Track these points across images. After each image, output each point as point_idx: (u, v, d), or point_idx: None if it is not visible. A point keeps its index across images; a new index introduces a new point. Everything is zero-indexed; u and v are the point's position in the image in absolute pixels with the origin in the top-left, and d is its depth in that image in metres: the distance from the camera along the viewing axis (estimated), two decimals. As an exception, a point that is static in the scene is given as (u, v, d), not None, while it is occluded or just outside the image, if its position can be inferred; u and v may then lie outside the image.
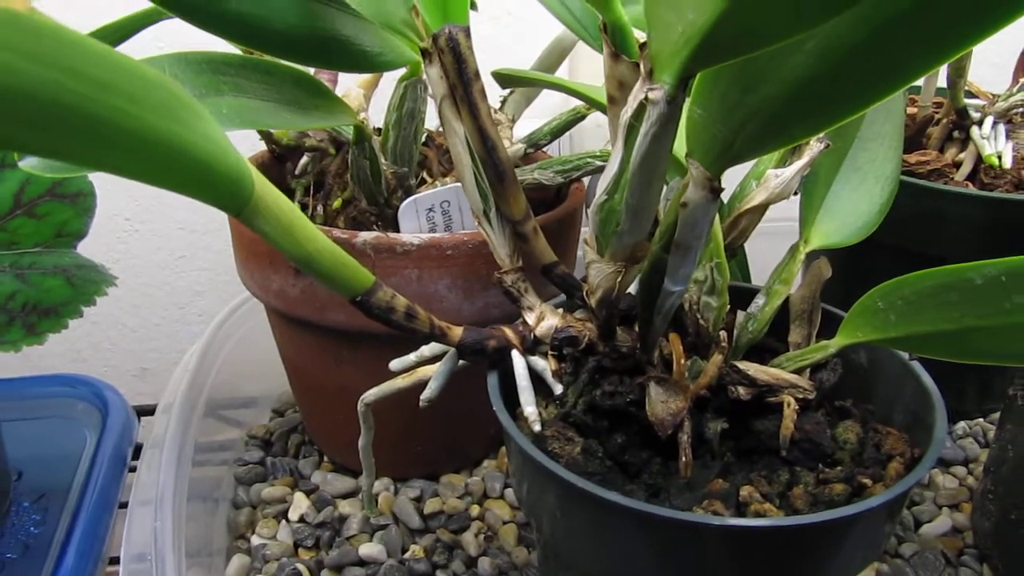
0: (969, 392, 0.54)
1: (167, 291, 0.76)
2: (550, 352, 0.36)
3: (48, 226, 0.44)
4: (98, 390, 0.55)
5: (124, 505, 0.49)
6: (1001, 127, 0.51)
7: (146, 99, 0.21)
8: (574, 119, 0.50)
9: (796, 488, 0.32)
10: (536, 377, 0.35)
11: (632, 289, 0.36)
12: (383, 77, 0.52)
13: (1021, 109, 0.52)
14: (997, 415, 0.55)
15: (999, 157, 0.49)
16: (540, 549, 0.40)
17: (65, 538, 0.47)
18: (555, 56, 0.54)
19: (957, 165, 0.51)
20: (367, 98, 0.51)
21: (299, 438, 0.55)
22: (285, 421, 0.56)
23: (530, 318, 0.36)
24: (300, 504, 0.49)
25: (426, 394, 0.36)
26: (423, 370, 0.38)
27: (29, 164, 0.35)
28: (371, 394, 0.39)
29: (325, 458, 0.53)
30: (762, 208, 0.36)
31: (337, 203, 0.49)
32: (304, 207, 0.49)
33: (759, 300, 0.37)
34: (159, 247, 0.73)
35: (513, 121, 0.52)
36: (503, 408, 0.34)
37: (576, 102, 0.51)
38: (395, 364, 0.39)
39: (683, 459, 0.33)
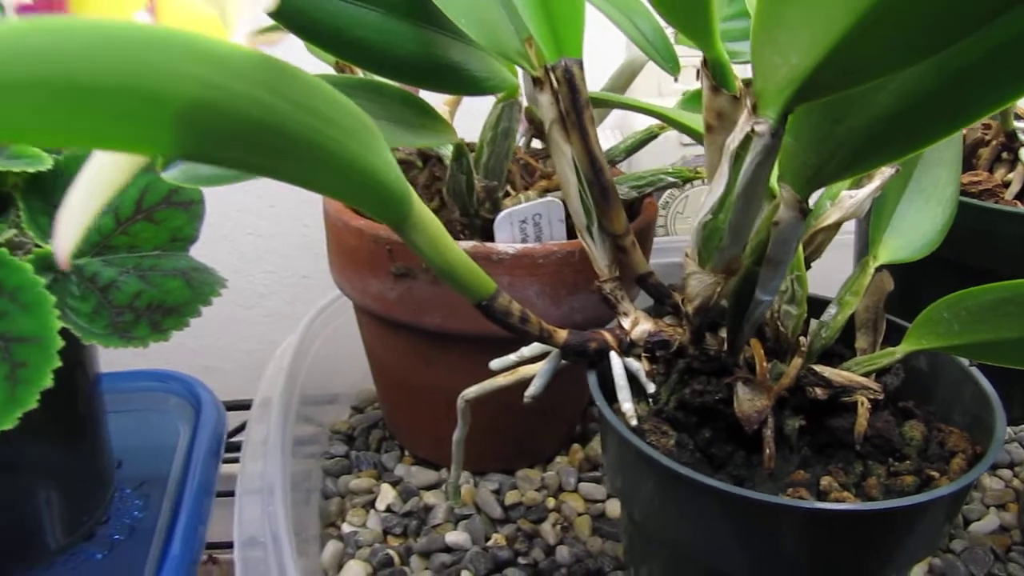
0: (1015, 399, 0.59)
1: (233, 293, 0.81)
2: (643, 354, 0.41)
3: (165, 231, 0.49)
4: (191, 386, 0.60)
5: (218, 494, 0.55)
6: (1050, 148, 0.56)
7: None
8: (648, 138, 0.55)
9: (870, 479, 0.37)
10: (630, 376, 0.40)
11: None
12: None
13: (1066, 132, 0.57)
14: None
15: (1047, 176, 0.54)
16: (628, 535, 0.45)
17: (169, 523, 0.52)
18: (625, 77, 0.60)
19: (1006, 184, 0.55)
20: (451, 115, 0.56)
21: (380, 433, 0.60)
22: (365, 417, 0.61)
23: (626, 323, 0.41)
24: (387, 495, 0.54)
25: (531, 391, 0.41)
26: (524, 369, 0.43)
27: (171, 175, 0.40)
28: (472, 391, 0.44)
29: (406, 452, 0.58)
30: (836, 226, 0.41)
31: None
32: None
33: (831, 309, 0.42)
34: (229, 251, 0.78)
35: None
36: (605, 403, 0.39)
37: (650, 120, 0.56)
38: (495, 364, 0.44)
39: (767, 452, 0.38)
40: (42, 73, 0.15)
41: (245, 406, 0.71)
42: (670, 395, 0.40)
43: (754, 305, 0.37)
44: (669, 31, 0.58)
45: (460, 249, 0.33)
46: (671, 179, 0.53)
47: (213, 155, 0.20)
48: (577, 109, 0.37)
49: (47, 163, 0.46)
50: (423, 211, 0.31)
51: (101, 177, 0.24)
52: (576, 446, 0.58)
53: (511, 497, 0.53)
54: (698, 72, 0.37)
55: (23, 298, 0.42)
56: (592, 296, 0.49)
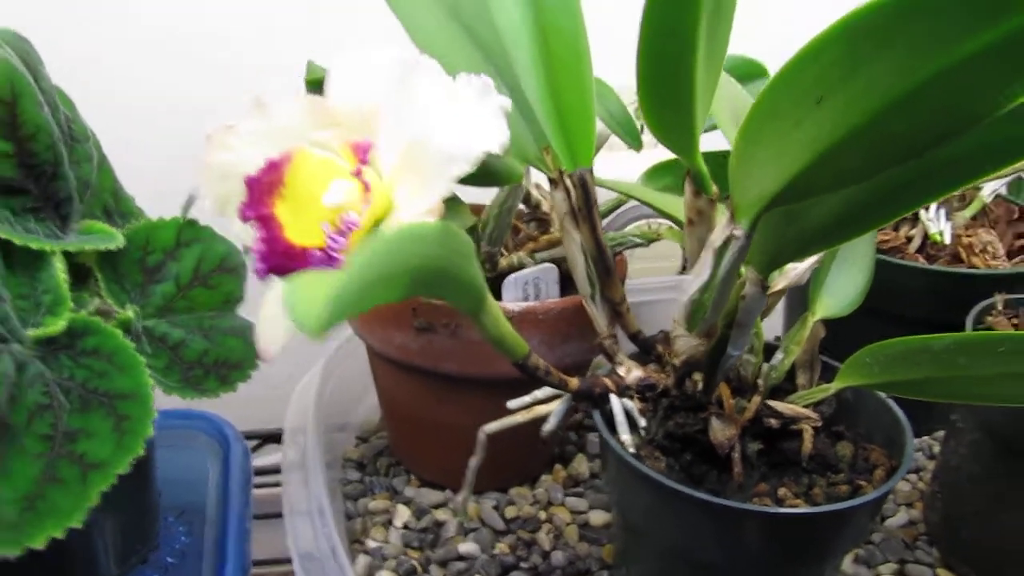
0: (918, 417, 0.73)
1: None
2: (635, 395, 0.53)
3: (220, 294, 0.59)
4: (216, 424, 0.69)
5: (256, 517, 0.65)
6: (942, 210, 0.70)
7: (468, 256, 0.37)
8: (618, 204, 0.68)
9: (815, 489, 0.50)
10: (626, 413, 0.52)
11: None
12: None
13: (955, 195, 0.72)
14: (938, 434, 0.75)
15: (941, 235, 0.68)
16: (622, 539, 0.57)
17: (216, 546, 0.62)
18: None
19: (909, 240, 0.70)
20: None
21: (387, 460, 0.70)
22: (372, 446, 0.72)
23: (621, 371, 0.53)
24: (402, 514, 0.65)
25: (547, 427, 0.53)
26: (538, 408, 0.54)
27: (255, 259, 0.50)
28: (492, 426, 0.55)
29: (412, 476, 0.69)
30: (784, 291, 0.54)
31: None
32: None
33: (779, 355, 0.55)
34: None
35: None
36: (610, 435, 0.51)
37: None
38: (513, 404, 0.55)
39: (736, 469, 0.50)
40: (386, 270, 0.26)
41: (251, 436, 0.80)
42: (658, 427, 0.52)
43: (726, 359, 0.49)
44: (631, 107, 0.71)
45: (508, 324, 0.45)
46: (638, 240, 0.66)
47: (416, 292, 0.31)
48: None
49: (119, 241, 0.55)
50: (491, 300, 0.42)
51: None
52: (558, 466, 0.70)
53: (510, 512, 0.65)
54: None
55: (119, 360, 0.51)
56: (579, 344, 0.62)
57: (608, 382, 0.52)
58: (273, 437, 0.82)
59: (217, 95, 0.83)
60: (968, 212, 0.70)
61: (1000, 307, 0.62)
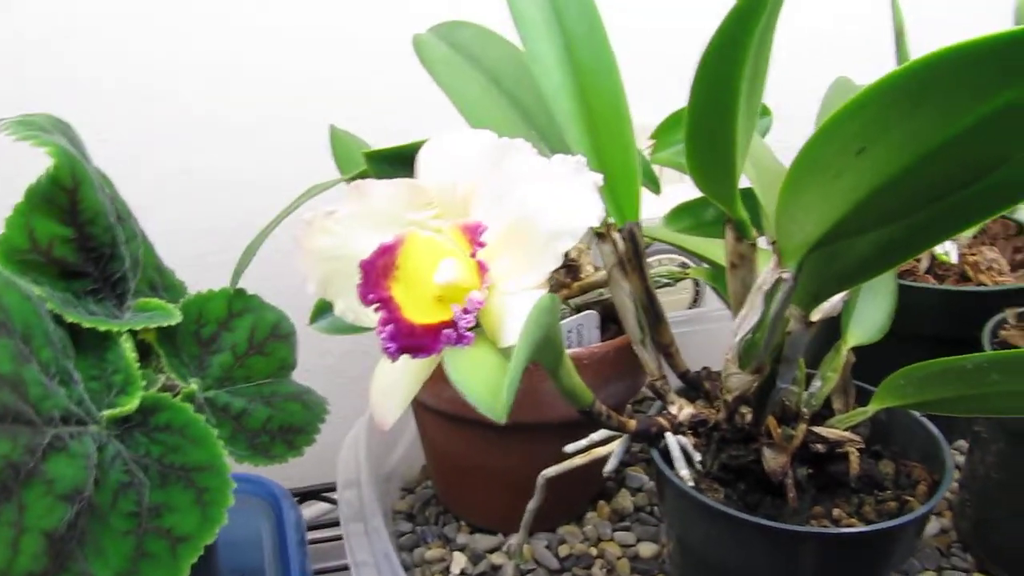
0: (940, 430, 0.78)
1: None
2: (688, 431, 0.56)
3: (275, 361, 0.61)
4: (267, 486, 0.72)
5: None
6: (944, 231, 0.75)
7: (558, 323, 0.41)
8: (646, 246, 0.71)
9: (865, 507, 0.54)
10: (682, 449, 0.56)
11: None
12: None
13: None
14: (958, 443, 0.79)
15: (947, 255, 0.73)
16: (680, 567, 0.60)
17: (282, 605, 0.64)
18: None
19: (919, 262, 0.74)
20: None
21: (436, 509, 0.73)
22: (418, 496, 0.75)
23: (673, 409, 0.56)
24: (459, 560, 0.67)
25: (608, 468, 0.56)
26: (596, 450, 0.57)
27: (321, 326, 0.54)
28: (552, 471, 0.58)
29: (462, 523, 0.72)
30: (819, 322, 0.58)
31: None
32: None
33: (816, 383, 0.59)
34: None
35: (588, 248, 0.72)
36: (670, 471, 0.54)
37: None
38: (570, 448, 0.58)
39: (791, 495, 0.54)
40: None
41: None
42: (713, 460, 0.56)
43: (775, 391, 0.53)
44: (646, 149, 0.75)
45: (577, 376, 0.48)
46: (666, 280, 0.69)
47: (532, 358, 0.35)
48: (637, 257, 0.53)
49: (177, 317, 0.58)
50: (567, 355, 0.46)
51: (414, 372, 0.38)
52: (601, 502, 0.73)
53: (563, 550, 0.68)
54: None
55: (191, 433, 0.54)
56: (621, 384, 0.65)
57: (663, 421, 0.56)
58: (311, 494, 0.84)
59: (239, 166, 0.86)
60: (969, 231, 0.75)
61: (1012, 320, 0.66)
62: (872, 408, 0.57)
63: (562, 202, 0.35)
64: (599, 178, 0.35)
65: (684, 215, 0.70)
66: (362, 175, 0.66)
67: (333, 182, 0.65)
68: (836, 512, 0.53)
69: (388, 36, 0.85)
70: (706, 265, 0.64)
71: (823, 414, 0.60)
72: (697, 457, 0.56)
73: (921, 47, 0.44)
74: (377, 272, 0.35)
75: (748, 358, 0.52)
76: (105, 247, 0.56)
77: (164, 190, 0.85)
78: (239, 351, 0.60)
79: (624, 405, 0.72)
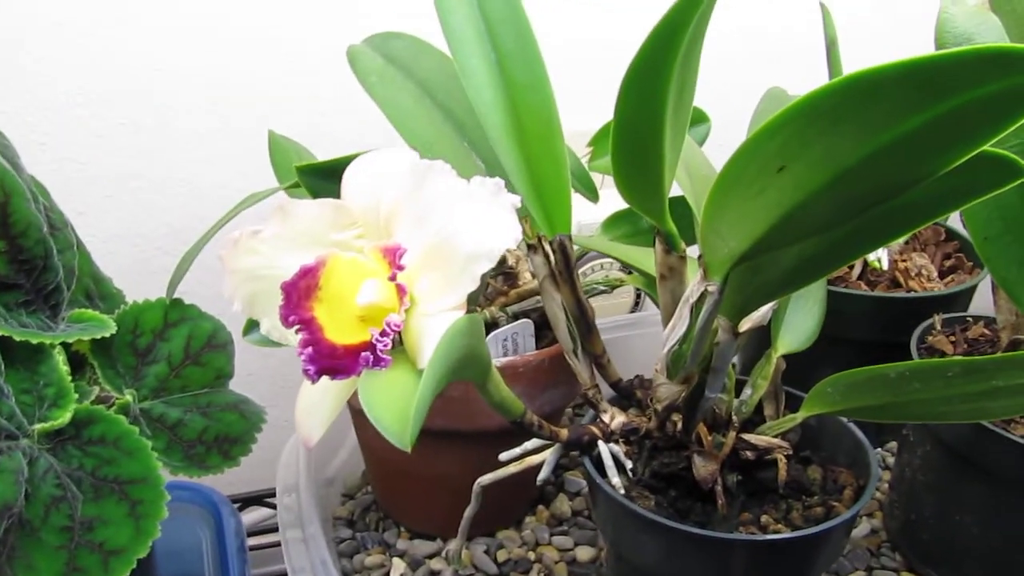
0: (871, 431, 0.80)
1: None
2: (620, 439, 0.57)
3: (211, 371, 0.61)
4: (205, 494, 0.72)
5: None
6: (876, 237, 0.76)
7: (482, 337, 0.41)
8: (581, 255, 0.72)
9: (793, 513, 0.55)
10: (613, 457, 0.57)
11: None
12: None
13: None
14: (889, 445, 0.81)
15: (879, 261, 0.75)
16: (614, 571, 0.61)
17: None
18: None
19: (851, 268, 0.76)
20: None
21: (376, 515, 0.73)
22: (358, 502, 0.75)
23: (606, 418, 0.57)
24: (398, 566, 0.68)
25: (542, 476, 0.57)
26: (531, 458, 0.58)
27: (253, 338, 0.54)
28: (487, 478, 0.59)
29: (402, 529, 0.72)
30: (748, 333, 0.59)
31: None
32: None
33: (747, 391, 0.60)
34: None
35: (527, 256, 0.73)
36: (601, 479, 0.55)
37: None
38: (505, 456, 0.59)
39: (720, 502, 0.55)
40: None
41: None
42: (644, 468, 0.57)
43: (704, 400, 0.54)
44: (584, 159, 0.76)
45: (507, 389, 0.49)
46: (603, 287, 0.70)
47: (451, 378, 0.35)
48: (568, 269, 0.54)
49: (111, 329, 0.57)
50: (494, 369, 0.46)
51: (335, 392, 0.39)
52: (540, 507, 0.74)
53: (501, 555, 0.68)
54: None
55: (125, 445, 0.54)
56: (556, 391, 0.66)
57: (595, 429, 0.57)
58: (254, 499, 0.84)
59: (177, 167, 0.85)
60: (901, 238, 0.77)
61: (939, 326, 0.68)
62: (801, 415, 0.58)
63: (480, 224, 0.35)
64: (516, 200, 0.36)
65: (620, 223, 0.71)
66: (298, 184, 0.66)
67: (271, 191, 0.65)
68: (764, 518, 0.54)
69: (336, 42, 0.85)
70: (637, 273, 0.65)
71: (754, 420, 0.61)
72: (629, 465, 0.57)
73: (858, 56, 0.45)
74: (299, 293, 0.36)
75: (676, 368, 0.53)
76: (37, 259, 0.56)
77: (107, 195, 0.85)
78: (175, 361, 0.60)
79: (562, 411, 0.73)
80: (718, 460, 0.55)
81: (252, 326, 0.56)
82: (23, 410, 0.53)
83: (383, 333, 0.33)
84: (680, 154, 0.53)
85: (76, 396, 0.53)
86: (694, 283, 0.50)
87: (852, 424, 0.60)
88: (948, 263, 0.78)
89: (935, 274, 0.74)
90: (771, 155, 0.41)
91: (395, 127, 0.55)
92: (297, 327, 0.36)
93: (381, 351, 0.33)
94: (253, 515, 0.87)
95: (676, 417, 0.57)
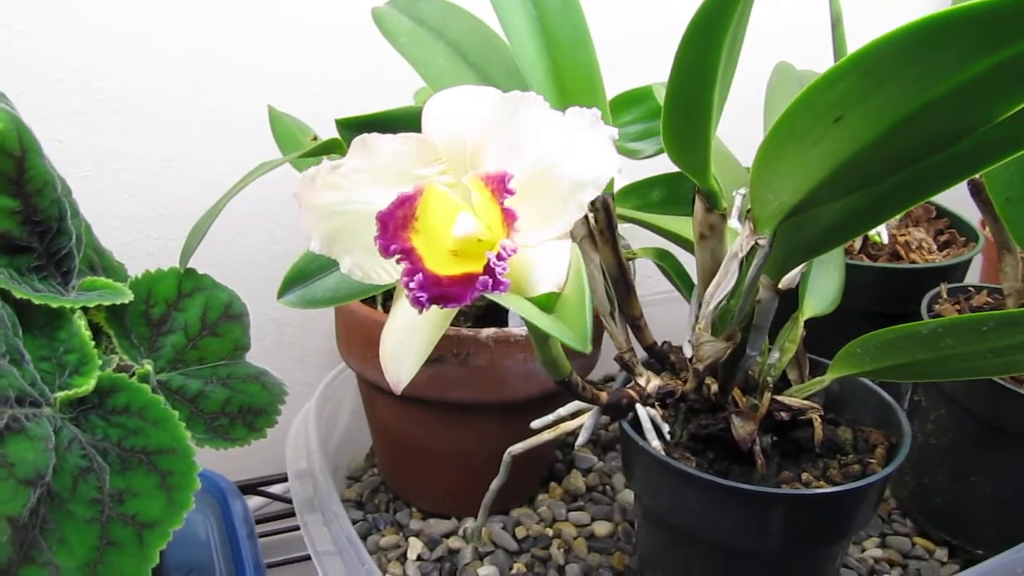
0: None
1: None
2: (656, 403, 0.57)
3: (228, 342, 0.59)
4: (211, 479, 0.69)
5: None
6: (872, 213, 0.78)
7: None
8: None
9: (831, 471, 0.56)
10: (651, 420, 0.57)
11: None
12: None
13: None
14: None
15: (879, 236, 0.76)
16: (647, 543, 0.61)
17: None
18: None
19: (852, 242, 0.77)
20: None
21: (385, 496, 0.72)
22: (365, 484, 0.73)
23: (642, 381, 0.57)
24: (415, 546, 0.66)
25: (580, 441, 0.56)
26: (564, 425, 0.58)
27: (289, 300, 0.52)
28: (519, 447, 0.58)
29: (414, 509, 0.71)
30: (780, 293, 0.59)
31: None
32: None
33: (775, 354, 0.60)
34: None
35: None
36: (641, 440, 0.54)
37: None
38: (537, 423, 0.58)
39: (759, 461, 0.55)
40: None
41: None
42: (682, 431, 0.57)
43: (745, 359, 0.54)
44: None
45: (560, 349, 0.48)
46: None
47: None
48: (611, 228, 0.53)
49: (128, 296, 0.55)
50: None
51: (424, 329, 0.38)
52: (553, 484, 0.73)
53: (520, 532, 0.67)
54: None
55: (151, 415, 0.51)
56: (578, 360, 0.65)
57: (632, 393, 0.56)
58: (247, 487, 0.81)
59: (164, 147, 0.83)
60: (942, 191, 0.78)
61: (945, 295, 0.70)
62: (829, 377, 0.59)
63: (582, 153, 0.35)
64: (615, 132, 0.36)
65: (631, 196, 0.71)
66: (308, 156, 0.64)
67: (281, 160, 0.64)
68: (805, 476, 0.55)
69: (326, 22, 0.84)
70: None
71: (779, 386, 0.62)
72: (666, 428, 0.57)
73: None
74: (396, 223, 0.35)
75: (722, 325, 0.53)
76: (52, 221, 0.53)
77: (86, 175, 0.81)
78: (192, 332, 0.58)
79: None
80: (756, 420, 0.56)
81: (288, 287, 0.54)
82: (42, 378, 0.50)
83: (500, 256, 0.33)
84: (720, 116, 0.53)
85: (100, 363, 0.51)
86: (743, 237, 0.50)
87: (877, 385, 0.60)
88: (942, 239, 0.80)
89: (935, 247, 0.76)
90: (828, 105, 0.41)
91: (431, 86, 0.54)
92: (398, 256, 0.34)
93: (500, 275, 0.32)
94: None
95: (710, 380, 0.57)
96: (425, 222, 0.36)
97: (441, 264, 0.35)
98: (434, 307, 0.35)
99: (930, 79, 0.38)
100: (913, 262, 0.75)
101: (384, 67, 0.84)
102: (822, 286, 0.63)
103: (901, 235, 0.76)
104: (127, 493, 0.49)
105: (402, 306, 0.38)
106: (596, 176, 0.35)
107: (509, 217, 0.34)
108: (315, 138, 0.71)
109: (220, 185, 0.76)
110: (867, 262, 0.76)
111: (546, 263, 0.34)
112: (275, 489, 0.83)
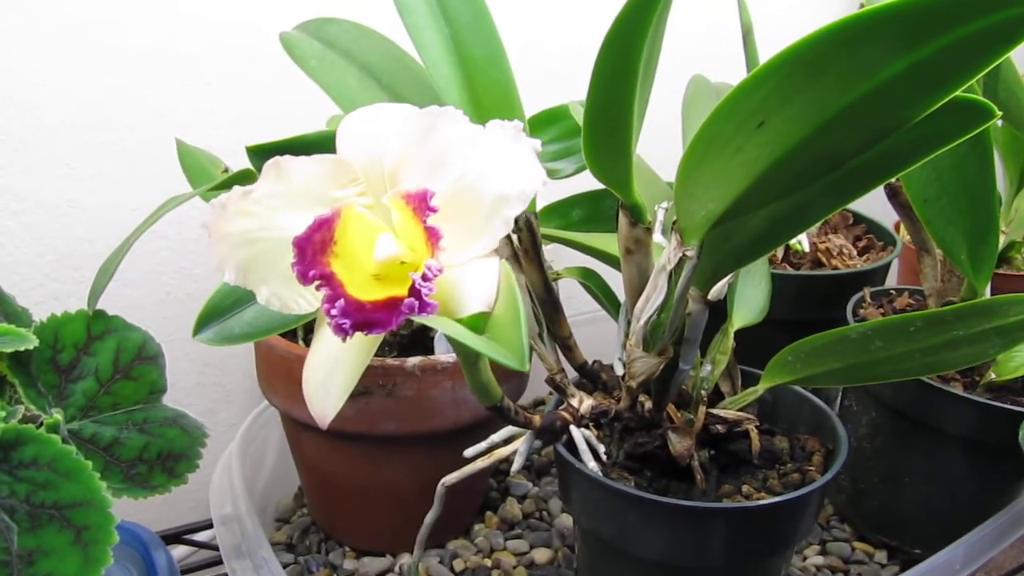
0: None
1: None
2: (591, 423, 0.56)
3: (143, 385, 0.56)
4: (133, 532, 0.65)
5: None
6: (792, 222, 0.79)
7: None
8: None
9: (771, 481, 0.55)
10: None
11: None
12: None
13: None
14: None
15: (800, 244, 0.77)
16: (589, 562, 0.59)
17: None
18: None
19: (775, 251, 0.78)
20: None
21: (316, 536, 0.69)
22: (294, 526, 0.70)
23: (575, 402, 0.56)
24: (350, 587, 0.64)
25: (515, 467, 0.54)
26: (499, 451, 0.56)
27: (206, 336, 0.50)
28: (452, 477, 0.56)
29: (346, 548, 0.68)
30: (710, 305, 0.59)
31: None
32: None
33: (707, 367, 0.60)
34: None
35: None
36: (577, 462, 0.53)
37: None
38: (470, 451, 0.56)
39: (699, 476, 0.54)
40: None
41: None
42: (618, 450, 0.56)
43: (678, 374, 0.54)
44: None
45: (491, 374, 0.47)
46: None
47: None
48: (535, 248, 0.52)
49: (32, 341, 0.52)
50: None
51: (348, 360, 0.36)
52: (489, 513, 0.71)
53: (458, 565, 0.65)
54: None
55: (62, 467, 0.48)
56: (508, 385, 0.64)
57: (565, 415, 0.55)
58: (171, 537, 0.78)
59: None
60: (866, 193, 0.79)
61: (869, 299, 0.70)
62: (762, 386, 0.58)
63: (505, 166, 0.33)
64: (538, 144, 0.34)
65: (552, 216, 0.70)
66: (219, 187, 0.62)
67: (190, 194, 0.61)
68: (746, 489, 0.54)
69: (233, 54, 0.82)
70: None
71: (712, 399, 0.61)
72: (601, 449, 0.55)
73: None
74: (314, 248, 0.33)
75: (653, 340, 0.52)
76: (-54, 268, 0.50)
77: None
78: (103, 377, 0.55)
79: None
80: (692, 435, 0.55)
81: (203, 324, 0.51)
82: (-59, 435, 0.47)
83: (425, 277, 0.31)
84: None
85: (2, 415, 0.48)
86: (670, 249, 0.50)
87: (809, 392, 0.60)
88: (860, 244, 0.81)
89: (855, 252, 0.77)
90: (750, 111, 0.41)
91: (343, 110, 0.53)
92: (318, 282, 0.33)
93: (426, 296, 0.31)
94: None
95: (643, 398, 0.56)
96: (344, 245, 0.34)
97: (363, 289, 0.34)
98: (358, 335, 0.34)
99: (850, 81, 0.38)
100: (835, 268, 0.76)
101: (295, 97, 0.82)
102: (750, 296, 0.62)
103: (822, 242, 0.77)
104: (38, 552, 0.46)
105: (324, 337, 0.37)
106: (521, 190, 0.33)
107: (433, 236, 0.32)
108: (226, 170, 0.69)
109: (128, 224, 0.72)
110: (790, 271, 0.76)
111: (474, 282, 0.33)
112: (201, 536, 0.80)
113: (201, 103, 0.82)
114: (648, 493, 0.51)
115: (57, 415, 0.52)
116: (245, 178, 0.60)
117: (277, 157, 0.36)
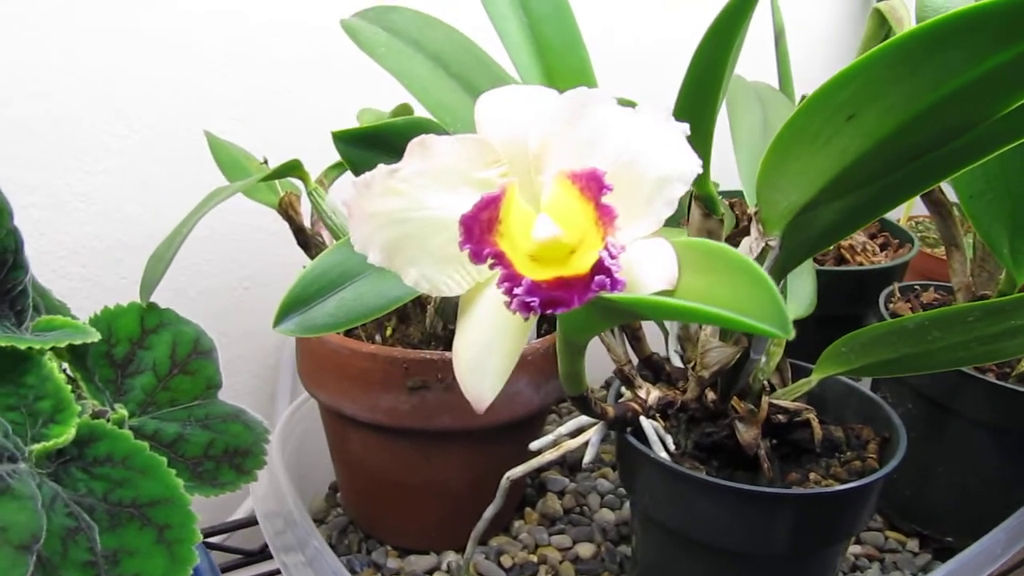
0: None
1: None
2: (658, 414, 0.56)
3: (200, 380, 0.55)
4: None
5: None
6: (810, 219, 0.80)
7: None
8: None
9: (834, 469, 0.56)
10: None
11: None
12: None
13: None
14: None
15: (822, 241, 0.78)
16: (655, 551, 0.59)
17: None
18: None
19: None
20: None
21: (356, 535, 0.68)
22: (332, 525, 0.69)
23: (642, 393, 0.56)
24: (398, 586, 0.63)
25: (587, 459, 0.54)
26: (566, 444, 0.56)
27: (287, 327, 0.49)
28: (518, 471, 0.56)
29: (388, 547, 0.67)
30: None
31: (388, 332, 0.65)
32: (368, 337, 0.64)
33: (763, 358, 0.61)
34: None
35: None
36: (649, 450, 0.53)
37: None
38: (536, 444, 0.56)
39: (765, 465, 0.55)
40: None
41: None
42: (686, 440, 0.56)
43: (749, 363, 0.54)
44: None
45: (584, 364, 0.47)
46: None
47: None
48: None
49: (93, 335, 0.50)
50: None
51: (505, 341, 0.35)
52: (528, 509, 0.71)
53: (505, 561, 0.65)
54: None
55: (137, 464, 0.47)
56: (557, 380, 0.64)
57: (635, 406, 0.55)
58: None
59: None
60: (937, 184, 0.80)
61: (899, 294, 0.72)
62: (816, 377, 0.59)
63: (663, 147, 0.33)
64: (687, 127, 0.35)
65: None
66: (269, 178, 0.61)
67: (234, 187, 0.60)
68: (813, 476, 0.55)
69: (258, 43, 0.80)
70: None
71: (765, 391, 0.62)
72: (669, 439, 0.56)
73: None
74: (481, 227, 0.32)
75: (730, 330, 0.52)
76: (7, 253, 0.49)
77: None
78: (161, 372, 0.54)
79: (559, 402, 0.71)
80: (758, 424, 0.55)
81: (285, 314, 0.50)
82: (13, 430, 0.45)
83: (611, 255, 0.31)
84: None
85: (78, 409, 0.46)
86: (752, 239, 0.50)
87: (857, 383, 0.61)
88: (877, 241, 0.83)
89: (878, 249, 0.79)
90: (840, 105, 0.42)
91: (417, 97, 0.52)
92: (491, 261, 0.32)
93: (616, 273, 0.31)
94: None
95: (707, 389, 0.57)
96: (508, 225, 0.34)
97: (527, 268, 0.33)
98: (514, 317, 0.34)
99: (943, 76, 0.39)
100: (860, 264, 0.77)
101: (308, 95, 0.81)
102: (799, 289, 0.63)
103: (845, 240, 0.79)
104: (122, 552, 0.45)
105: (473, 319, 0.36)
106: (682, 171, 0.33)
107: (607, 215, 0.32)
108: (265, 162, 0.67)
109: (139, 220, 0.71)
110: (817, 267, 0.77)
111: (653, 260, 0.33)
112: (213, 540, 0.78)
113: (217, 97, 0.80)
114: (705, 476, 0.51)
115: (121, 410, 0.50)
116: (293, 168, 0.60)
117: (423, 136, 0.35)
